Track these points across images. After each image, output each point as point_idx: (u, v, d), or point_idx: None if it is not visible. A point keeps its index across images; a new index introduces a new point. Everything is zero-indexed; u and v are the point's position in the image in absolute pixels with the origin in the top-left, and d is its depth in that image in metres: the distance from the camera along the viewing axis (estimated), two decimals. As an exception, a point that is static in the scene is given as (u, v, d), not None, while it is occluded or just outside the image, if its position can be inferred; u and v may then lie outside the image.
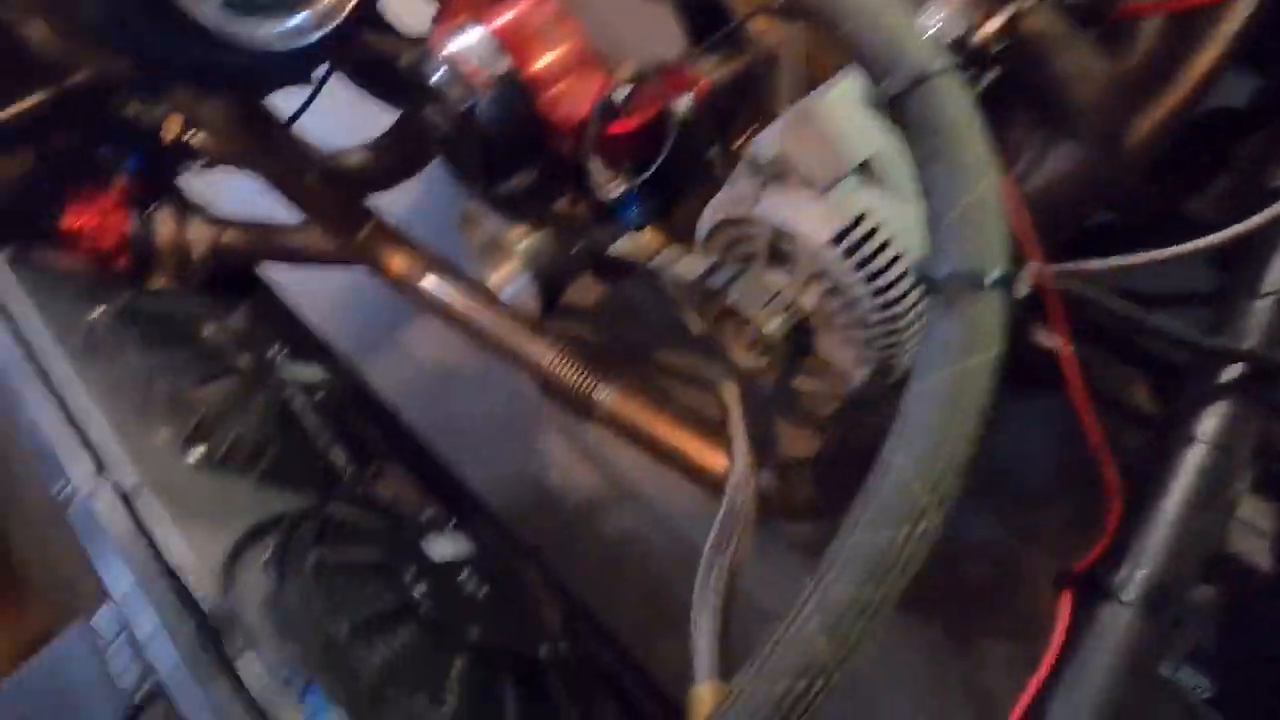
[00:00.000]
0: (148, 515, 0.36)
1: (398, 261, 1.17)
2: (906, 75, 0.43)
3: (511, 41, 0.69)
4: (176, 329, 0.69)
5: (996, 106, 0.63)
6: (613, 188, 0.75)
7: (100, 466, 0.35)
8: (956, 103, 0.44)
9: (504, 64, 0.68)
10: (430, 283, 1.16)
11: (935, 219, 0.42)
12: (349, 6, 0.77)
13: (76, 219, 0.95)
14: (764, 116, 0.71)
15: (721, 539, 0.75)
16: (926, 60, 0.44)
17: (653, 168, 0.68)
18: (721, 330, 0.60)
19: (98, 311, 0.69)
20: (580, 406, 1.06)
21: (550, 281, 0.88)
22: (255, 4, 0.73)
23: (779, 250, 0.55)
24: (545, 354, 1.06)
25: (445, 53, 0.68)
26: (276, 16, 0.75)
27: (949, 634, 1.21)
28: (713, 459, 0.99)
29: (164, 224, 1.01)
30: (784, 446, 1.27)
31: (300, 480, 0.67)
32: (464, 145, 0.71)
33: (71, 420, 0.38)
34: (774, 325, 0.54)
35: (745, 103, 0.70)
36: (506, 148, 0.70)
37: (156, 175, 1.04)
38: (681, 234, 0.83)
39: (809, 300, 0.55)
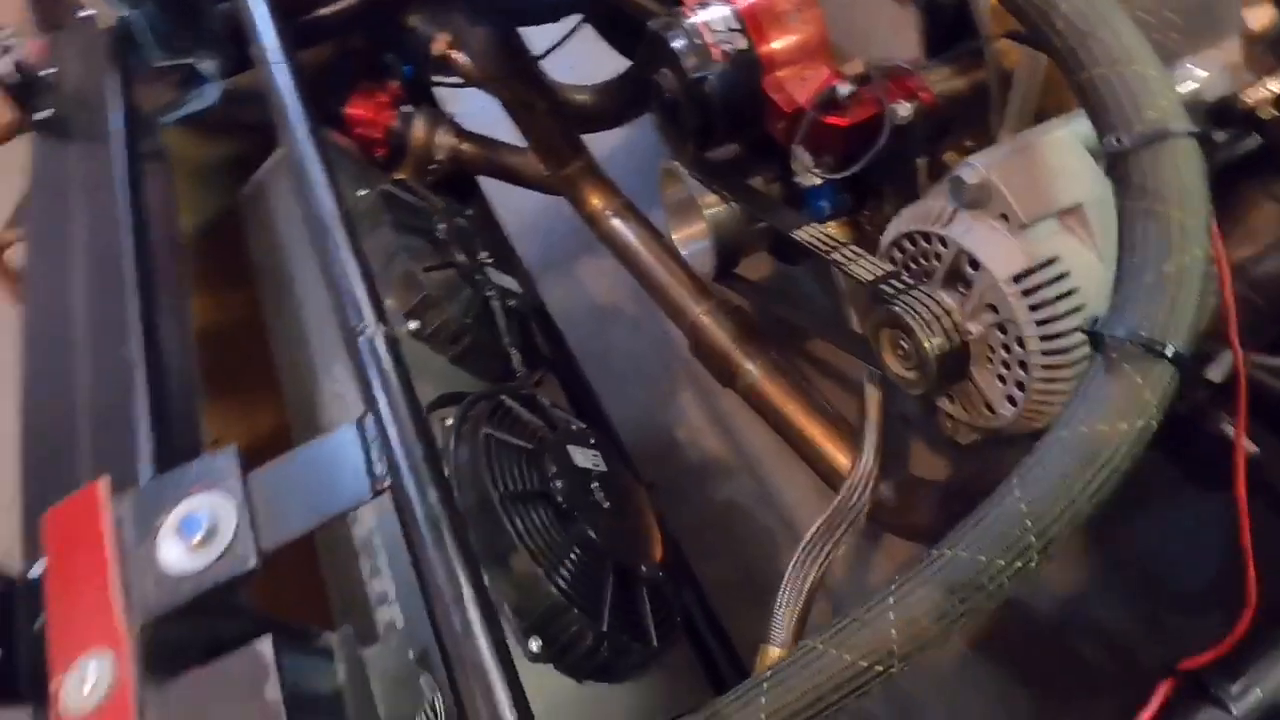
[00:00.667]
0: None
1: (595, 199, 1.27)
2: (1144, 131, 0.43)
3: (755, 21, 0.73)
4: (418, 219, 0.83)
5: (1244, 176, 0.58)
6: (812, 176, 0.78)
7: (378, 315, 0.47)
8: (1188, 168, 0.43)
9: (742, 42, 0.72)
10: (618, 224, 1.25)
11: (1128, 278, 0.42)
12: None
13: (356, 108, 1.13)
14: (980, 138, 0.70)
15: (826, 528, 0.79)
16: (1170, 119, 0.43)
17: (856, 166, 0.70)
18: (880, 335, 0.62)
19: (364, 190, 0.84)
20: (724, 373, 1.11)
21: (728, 250, 0.93)
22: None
23: (959, 272, 0.56)
24: (704, 315, 1.12)
25: (690, 21, 0.73)
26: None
27: (1045, 706, 1.16)
28: (838, 454, 1.01)
29: (419, 127, 1.17)
30: (913, 464, 1.25)
31: (482, 369, 0.79)
32: (686, 111, 0.76)
33: (364, 274, 0.50)
34: (934, 344, 0.56)
35: (965, 120, 0.70)
36: (725, 120, 0.75)
37: (422, 85, 1.20)
38: (866, 234, 0.85)
39: (975, 328, 0.56)
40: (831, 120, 0.71)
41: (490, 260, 0.90)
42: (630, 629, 0.63)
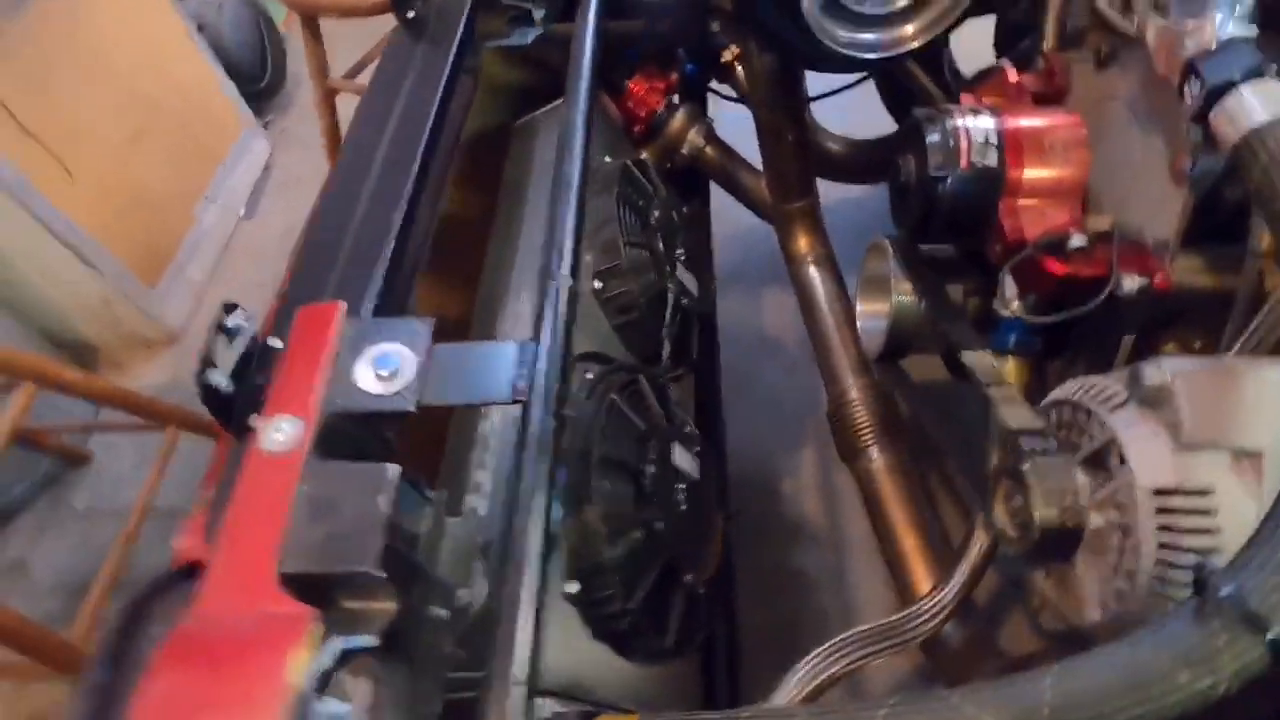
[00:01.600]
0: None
1: (803, 241, 1.30)
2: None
3: (1016, 143, 0.73)
4: (641, 199, 0.92)
5: None
6: (1009, 308, 0.77)
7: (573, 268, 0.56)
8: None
9: (993, 160, 0.73)
10: (813, 272, 1.28)
11: (1266, 540, 0.40)
12: (912, 48, 0.87)
13: (636, 84, 1.26)
14: (1209, 345, 0.66)
15: (875, 635, 0.79)
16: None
17: (1057, 317, 0.69)
18: (1000, 482, 0.62)
19: (610, 158, 0.95)
20: (849, 450, 1.12)
21: (900, 339, 0.94)
22: (845, 13, 0.87)
23: (1103, 459, 0.55)
24: (854, 389, 1.13)
25: (952, 122, 0.75)
26: (856, 27, 0.88)
27: None
28: (921, 574, 0.99)
29: (678, 119, 1.28)
30: (998, 627, 1.17)
31: (635, 346, 0.87)
32: (914, 200, 0.78)
33: (577, 229, 0.59)
34: (1047, 514, 0.55)
35: (1199, 319, 0.66)
36: (946, 224, 0.77)
37: (697, 84, 1.30)
38: (1043, 383, 0.82)
39: (1097, 520, 0.55)
40: (1050, 264, 0.70)
41: (684, 258, 0.97)
42: (655, 621, 0.68)
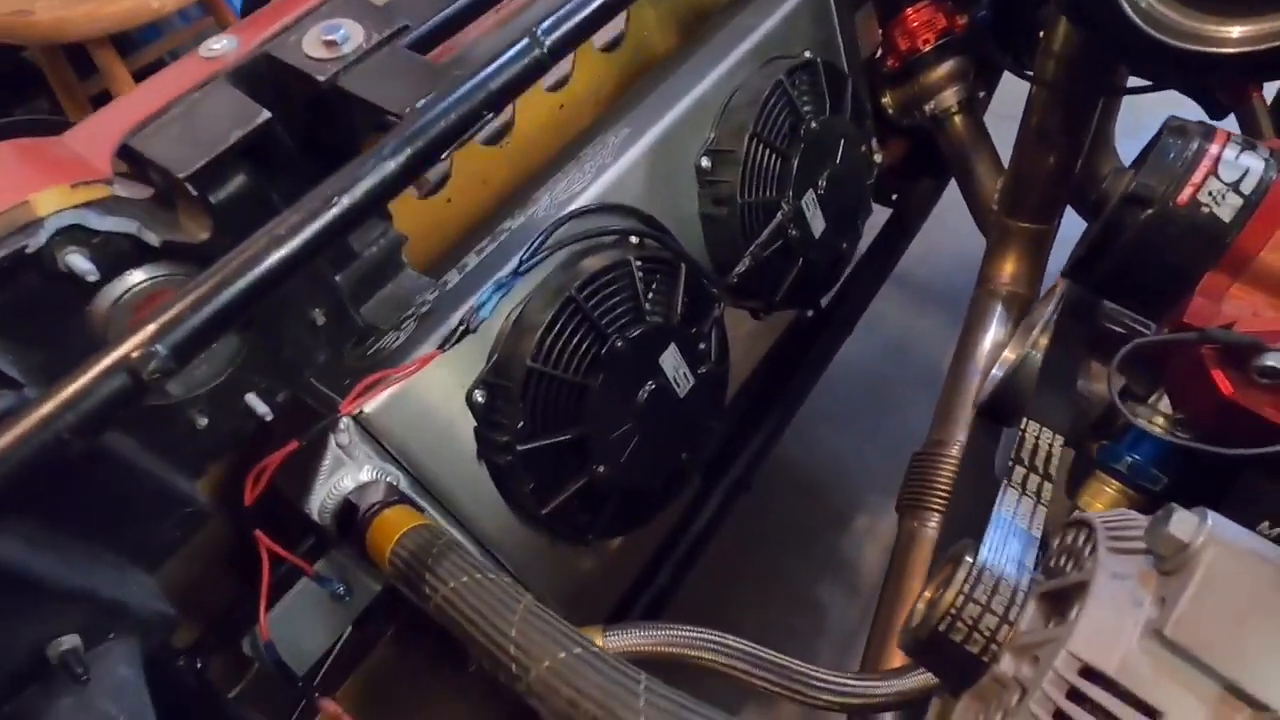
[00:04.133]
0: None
1: (1004, 268, 1.08)
2: None
3: (1274, 207, 0.51)
4: (807, 104, 0.80)
5: None
6: (1150, 421, 0.56)
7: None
8: None
9: (1228, 212, 0.51)
10: (992, 306, 1.06)
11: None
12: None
13: (917, 12, 1.07)
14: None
15: (773, 665, 0.67)
16: None
17: (1206, 449, 0.49)
18: (947, 566, 0.47)
19: (807, 53, 0.83)
20: (910, 500, 0.97)
21: (1008, 398, 0.75)
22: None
23: (1064, 600, 0.39)
24: (957, 449, 0.95)
25: (1204, 144, 0.53)
26: (1207, 14, 0.65)
27: None
28: (890, 656, 0.85)
29: (943, 69, 1.08)
30: None
31: (712, 244, 0.79)
32: (1099, 220, 0.59)
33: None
34: (945, 608, 0.41)
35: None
36: (1119, 266, 0.57)
37: (985, 39, 1.07)
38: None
39: (1005, 664, 0.39)
40: (1220, 376, 0.49)
41: (822, 191, 0.84)
42: (535, 478, 0.64)
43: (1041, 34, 1.01)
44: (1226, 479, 0.52)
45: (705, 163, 0.77)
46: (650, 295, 0.68)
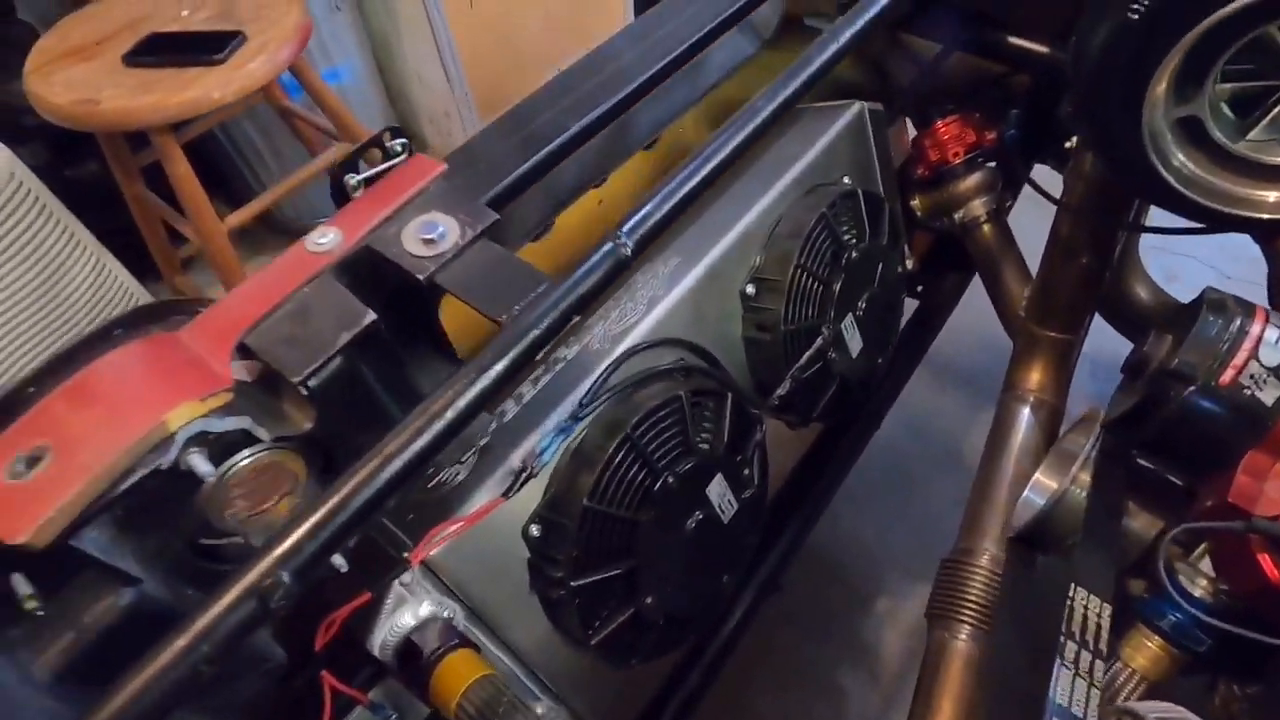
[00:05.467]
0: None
1: (1031, 376, 1.10)
2: None
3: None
4: (848, 232, 0.84)
5: None
6: (1193, 586, 0.58)
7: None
8: None
9: (1271, 395, 0.53)
10: (1020, 412, 1.08)
11: None
12: None
13: (946, 126, 1.12)
14: None
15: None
16: None
17: (1252, 636, 0.50)
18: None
19: (845, 179, 0.87)
20: (941, 609, 0.96)
21: (1048, 532, 0.76)
22: (1211, 147, 0.67)
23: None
24: (986, 558, 0.96)
25: (1244, 322, 0.56)
26: (1228, 173, 0.68)
27: None
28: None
29: (970, 181, 1.12)
30: None
31: (755, 367, 0.82)
32: (1141, 388, 0.61)
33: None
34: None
35: None
36: (1161, 437, 0.59)
37: (1012, 154, 1.12)
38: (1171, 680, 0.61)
39: None
40: (1268, 561, 0.50)
41: (860, 313, 0.87)
42: (587, 613, 0.66)
43: (1070, 159, 1.05)
44: (1270, 651, 0.53)
45: (750, 289, 0.80)
46: (699, 427, 0.70)
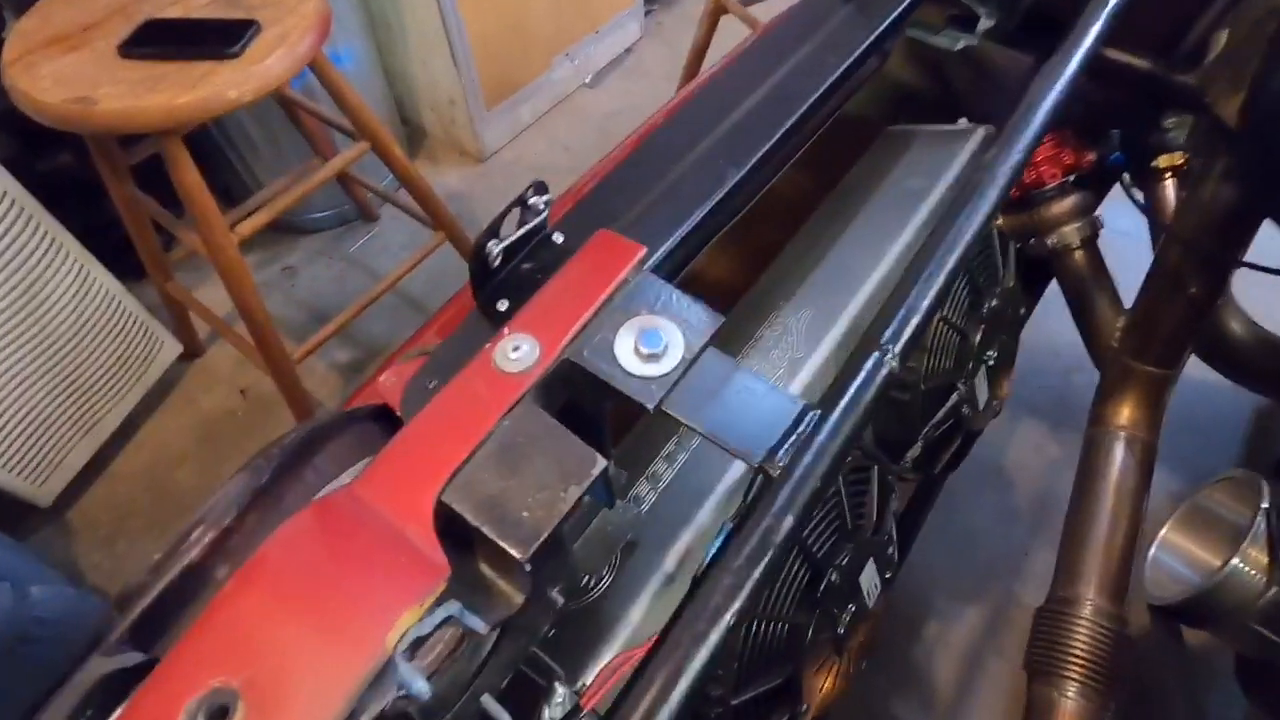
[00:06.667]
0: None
1: (1121, 411, 1.05)
2: None
3: None
4: (985, 277, 0.77)
5: None
6: None
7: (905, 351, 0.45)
8: None
9: None
10: (1114, 449, 1.03)
11: None
12: None
13: (1049, 145, 1.05)
14: None
15: None
16: None
17: None
18: None
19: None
20: (1043, 665, 0.91)
21: (1205, 610, 0.71)
22: None
23: None
24: (1089, 608, 0.91)
25: None
26: None
27: None
28: None
29: (1065, 204, 1.06)
30: None
31: (884, 428, 0.74)
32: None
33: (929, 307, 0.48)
34: None
35: None
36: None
37: (1112, 176, 1.06)
38: None
39: None
40: None
41: (991, 363, 0.80)
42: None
43: (1170, 178, 0.99)
44: None
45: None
46: (856, 509, 0.63)
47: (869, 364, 0.38)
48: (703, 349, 0.37)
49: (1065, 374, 1.77)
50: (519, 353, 0.37)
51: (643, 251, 0.40)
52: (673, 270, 0.52)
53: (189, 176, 1.18)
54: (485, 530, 0.32)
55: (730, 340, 0.71)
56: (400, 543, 0.31)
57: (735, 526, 0.33)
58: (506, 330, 0.38)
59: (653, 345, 0.37)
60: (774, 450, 0.35)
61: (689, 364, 0.37)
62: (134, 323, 1.67)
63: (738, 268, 0.86)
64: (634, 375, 0.36)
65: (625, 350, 0.37)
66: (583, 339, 0.38)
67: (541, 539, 0.31)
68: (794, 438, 0.35)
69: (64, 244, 1.51)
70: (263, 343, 1.43)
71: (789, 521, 0.33)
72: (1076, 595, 0.95)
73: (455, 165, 2.35)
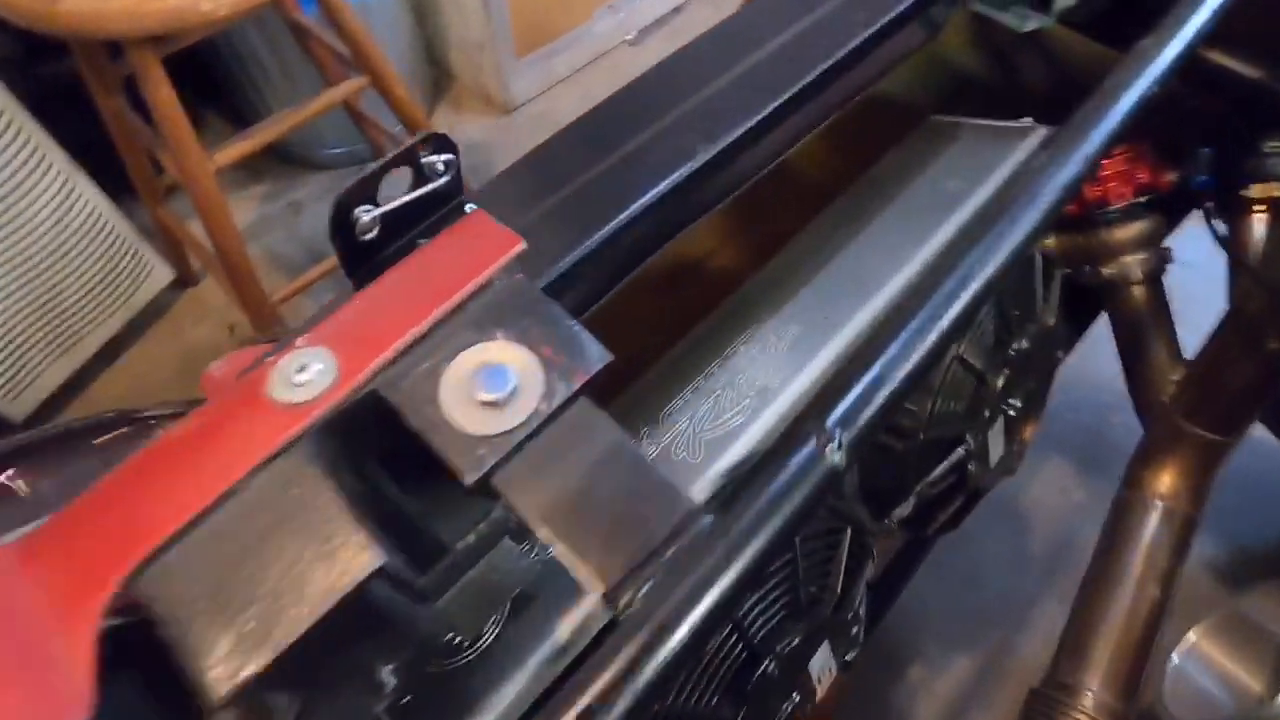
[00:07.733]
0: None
1: (1166, 480, 0.91)
2: None
3: None
4: (1019, 309, 0.63)
5: None
6: None
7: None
8: None
9: None
10: (1151, 523, 0.89)
11: None
12: None
13: (1114, 160, 0.89)
14: None
15: None
16: None
17: None
18: None
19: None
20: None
21: None
22: None
23: None
24: (1090, 700, 0.79)
25: None
26: None
27: None
28: None
29: (1131, 230, 0.90)
30: None
31: (871, 480, 0.62)
32: None
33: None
34: None
35: None
36: None
37: (1191, 203, 0.90)
38: None
39: None
40: None
41: (1013, 413, 0.67)
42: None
43: (1261, 214, 0.83)
44: None
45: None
46: (811, 579, 0.51)
47: (803, 452, 0.26)
48: (568, 402, 0.26)
49: (1103, 412, 1.60)
50: (305, 375, 0.26)
51: (518, 247, 0.29)
52: (594, 283, 0.40)
53: (161, 92, 1.08)
54: (176, 646, 0.21)
55: (697, 353, 0.59)
56: (35, 654, 0.20)
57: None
58: (299, 340, 0.27)
59: (496, 388, 0.25)
60: (637, 570, 0.23)
61: (543, 422, 0.25)
62: (121, 243, 1.60)
63: (746, 262, 0.74)
64: (457, 428, 0.25)
65: (455, 388, 0.26)
66: (403, 364, 0.26)
67: (245, 674, 0.20)
68: (670, 552, 0.23)
69: (49, 155, 1.44)
70: (238, 280, 1.35)
71: (647, 676, 0.22)
72: (1078, 683, 0.82)
73: (479, 114, 2.23)
